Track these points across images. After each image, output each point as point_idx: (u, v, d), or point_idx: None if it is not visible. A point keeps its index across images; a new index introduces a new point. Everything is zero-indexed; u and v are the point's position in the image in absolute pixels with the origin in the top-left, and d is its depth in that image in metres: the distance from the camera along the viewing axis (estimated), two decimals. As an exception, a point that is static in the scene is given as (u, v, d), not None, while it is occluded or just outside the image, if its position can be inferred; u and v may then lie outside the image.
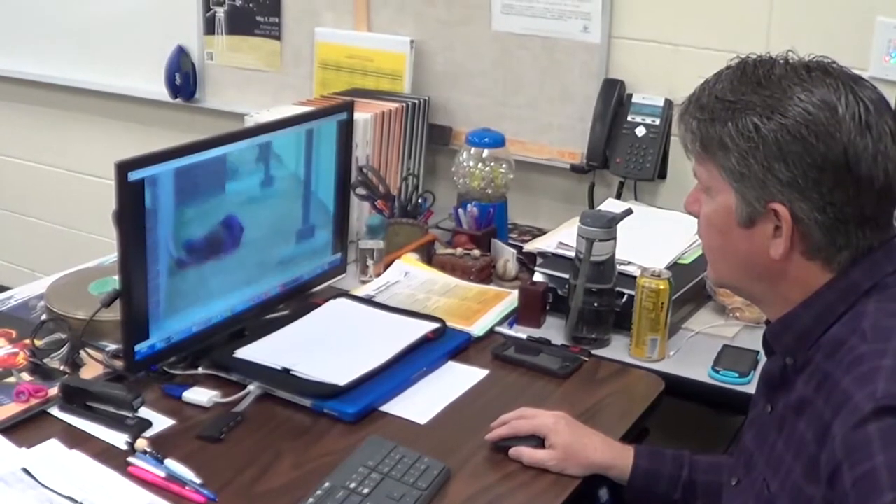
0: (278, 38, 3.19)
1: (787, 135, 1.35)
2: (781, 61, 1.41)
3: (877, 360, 1.28)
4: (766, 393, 1.52)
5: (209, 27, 3.28)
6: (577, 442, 1.78)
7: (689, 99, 1.46)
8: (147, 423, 1.82)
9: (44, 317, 2.12)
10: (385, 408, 1.93)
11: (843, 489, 1.22)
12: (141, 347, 1.91)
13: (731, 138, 1.38)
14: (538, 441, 1.79)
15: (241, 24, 3.23)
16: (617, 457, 1.78)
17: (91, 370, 1.98)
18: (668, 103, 2.65)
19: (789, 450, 1.39)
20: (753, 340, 2.11)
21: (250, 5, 3.20)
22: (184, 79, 3.33)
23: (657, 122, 2.66)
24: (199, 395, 1.91)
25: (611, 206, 2.49)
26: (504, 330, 2.24)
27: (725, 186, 1.42)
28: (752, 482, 1.49)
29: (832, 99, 1.35)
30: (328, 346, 2.08)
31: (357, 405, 1.89)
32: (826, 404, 1.31)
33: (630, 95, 2.71)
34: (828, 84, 1.36)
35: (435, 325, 2.16)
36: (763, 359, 1.58)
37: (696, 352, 2.17)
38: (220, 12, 3.26)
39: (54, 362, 1.98)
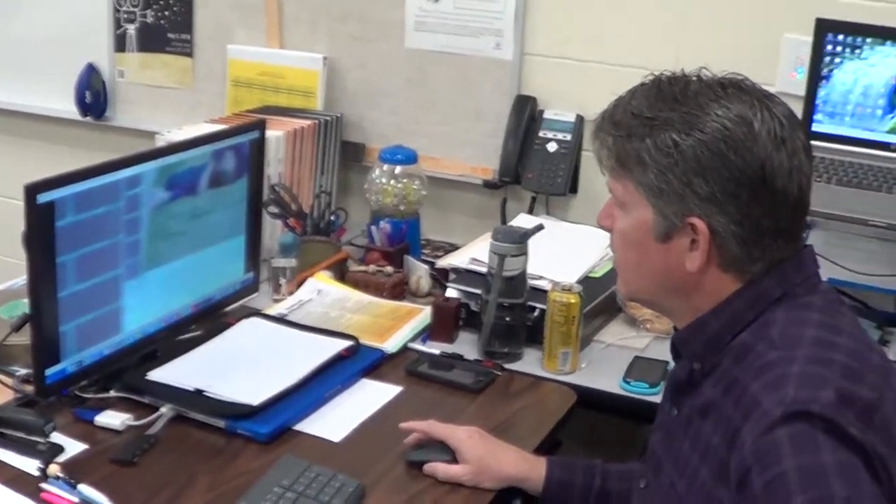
0: (190, 55, 3.17)
1: (705, 150, 1.36)
2: (695, 78, 1.43)
3: (785, 367, 1.30)
4: (672, 396, 1.54)
5: (120, 44, 3.25)
6: (491, 456, 1.80)
7: (603, 115, 1.46)
8: (59, 449, 1.80)
9: (-49, 341, 2.09)
10: (299, 426, 1.93)
11: (752, 493, 1.24)
12: (52, 371, 1.89)
13: (650, 154, 1.39)
14: (452, 457, 1.81)
15: (152, 41, 3.21)
16: (530, 469, 1.80)
17: (1, 395, 1.95)
18: (580, 119, 2.69)
19: (695, 451, 1.41)
20: (663, 351, 2.12)
21: (162, 22, 3.18)
22: (94, 97, 3.29)
23: (568, 137, 2.70)
24: (112, 419, 1.89)
25: (523, 221, 2.52)
26: (417, 346, 2.25)
27: (642, 202, 1.43)
28: (660, 484, 1.51)
29: (748, 114, 1.37)
30: (241, 366, 2.07)
31: (270, 425, 1.89)
32: (735, 409, 1.33)
33: (542, 111, 2.74)
34: (743, 100, 1.39)
35: (348, 343, 2.17)
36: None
37: (608, 363, 2.21)
38: (132, 29, 3.23)
39: (-38, 388, 1.95)
